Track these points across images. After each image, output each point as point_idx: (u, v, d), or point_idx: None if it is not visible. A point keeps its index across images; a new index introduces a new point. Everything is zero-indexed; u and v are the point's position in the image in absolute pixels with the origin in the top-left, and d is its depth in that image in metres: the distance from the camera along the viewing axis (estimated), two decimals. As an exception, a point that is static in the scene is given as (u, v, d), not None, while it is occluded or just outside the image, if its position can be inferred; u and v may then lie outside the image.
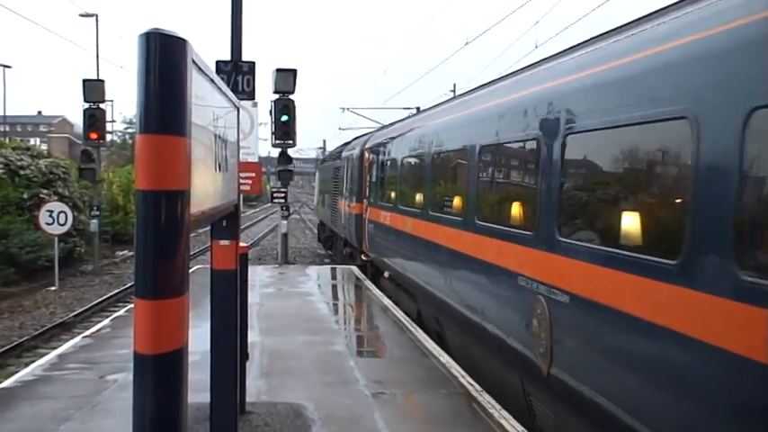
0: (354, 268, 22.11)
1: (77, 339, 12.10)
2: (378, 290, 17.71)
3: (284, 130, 17.75)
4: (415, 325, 13.25)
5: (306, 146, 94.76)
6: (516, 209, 8.89)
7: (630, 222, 6.09)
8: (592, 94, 6.91)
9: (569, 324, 6.98)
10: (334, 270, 22.90)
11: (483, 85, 11.63)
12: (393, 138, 17.72)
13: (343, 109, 44.10)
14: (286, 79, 17.54)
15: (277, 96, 17.57)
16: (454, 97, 16.73)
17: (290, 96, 17.66)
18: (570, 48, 8.21)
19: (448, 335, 12.24)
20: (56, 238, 23.31)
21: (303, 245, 41.55)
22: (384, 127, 23.34)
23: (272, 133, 18.01)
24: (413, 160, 15.00)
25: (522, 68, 9.88)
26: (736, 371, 4.53)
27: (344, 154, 27.06)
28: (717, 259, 4.80)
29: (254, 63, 14.83)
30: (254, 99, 15.42)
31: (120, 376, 9.43)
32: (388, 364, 10.68)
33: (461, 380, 9.56)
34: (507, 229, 8.79)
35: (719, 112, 4.82)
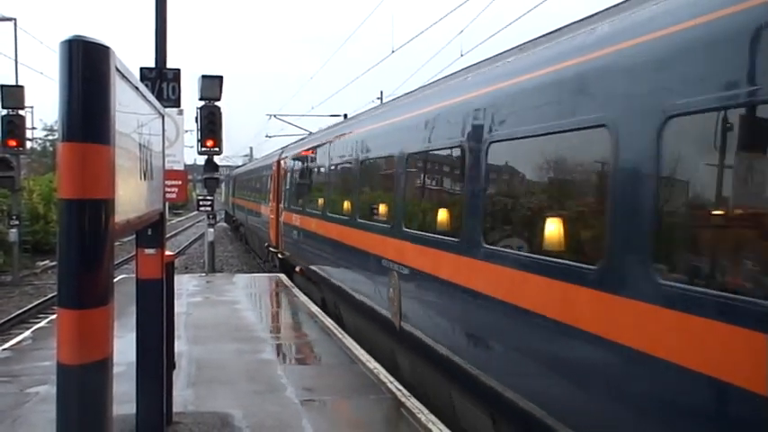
0: (283, 276, 22.12)
1: (-4, 352, 11.77)
2: (306, 297, 17.71)
3: (210, 138, 17.54)
4: (343, 332, 13.28)
5: (233, 152, 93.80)
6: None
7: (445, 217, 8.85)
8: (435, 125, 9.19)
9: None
10: (261, 278, 22.77)
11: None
12: (238, 172, 54.88)
13: (270, 116, 44.10)
14: (212, 86, 17.34)
15: (203, 103, 17.36)
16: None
17: (217, 103, 17.47)
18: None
19: (246, 234, 42.94)
20: (-28, 249, 22.59)
21: (230, 253, 41.18)
22: (245, 164, 56.89)
23: (198, 140, 17.80)
24: (242, 181, 44.97)
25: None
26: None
27: (232, 175, 59.60)
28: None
29: (179, 70, 14.54)
30: (179, 106, 15.13)
31: (42, 389, 9.19)
32: (317, 371, 10.69)
33: (390, 385, 9.62)
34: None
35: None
